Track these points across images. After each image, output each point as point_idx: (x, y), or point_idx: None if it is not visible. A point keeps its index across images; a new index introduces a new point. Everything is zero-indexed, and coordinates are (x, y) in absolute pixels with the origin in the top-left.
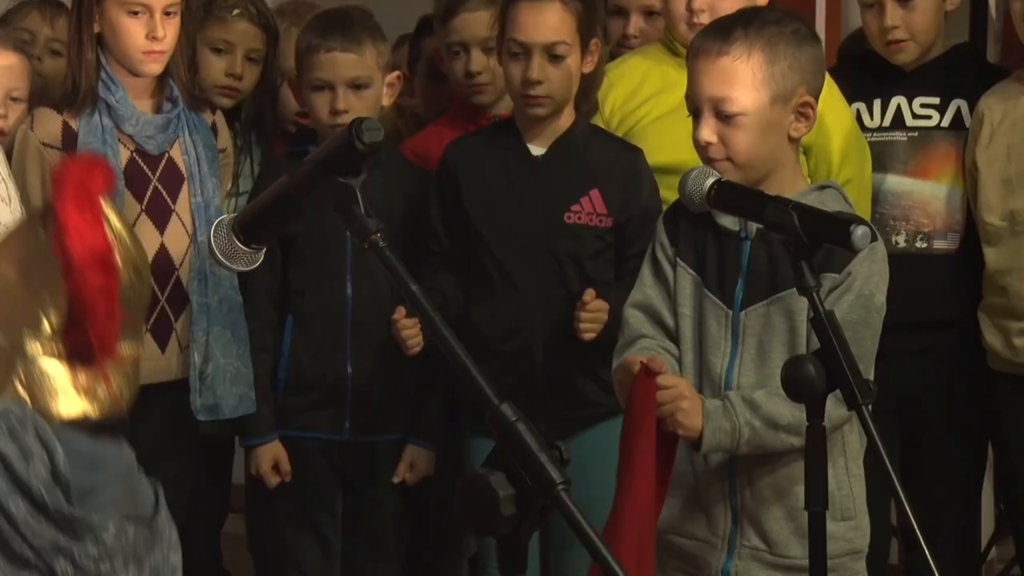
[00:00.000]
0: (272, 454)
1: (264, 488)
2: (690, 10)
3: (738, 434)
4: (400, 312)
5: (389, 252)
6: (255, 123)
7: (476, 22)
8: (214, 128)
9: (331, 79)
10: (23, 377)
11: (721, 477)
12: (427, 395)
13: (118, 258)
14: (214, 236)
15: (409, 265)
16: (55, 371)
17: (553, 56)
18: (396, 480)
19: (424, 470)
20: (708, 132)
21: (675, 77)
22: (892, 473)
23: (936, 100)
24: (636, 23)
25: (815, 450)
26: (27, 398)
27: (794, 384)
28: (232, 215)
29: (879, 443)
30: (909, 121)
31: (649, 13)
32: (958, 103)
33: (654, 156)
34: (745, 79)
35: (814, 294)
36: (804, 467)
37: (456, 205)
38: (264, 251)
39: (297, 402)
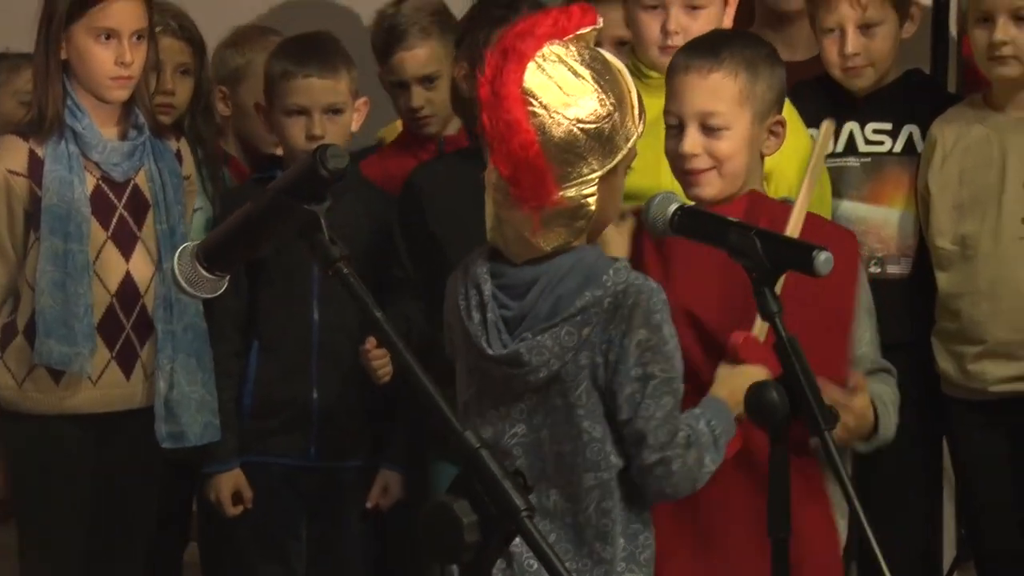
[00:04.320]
0: (233, 482)
1: (223, 515)
2: (664, 32)
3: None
4: (371, 342)
5: (353, 279)
6: (197, 138)
7: (413, 60)
8: (178, 155)
9: (308, 104)
10: None
11: None
12: (397, 419)
13: (534, 109)
14: (177, 263)
15: (376, 291)
16: None
17: None
18: (370, 505)
19: (397, 494)
20: (693, 144)
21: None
22: (854, 497)
23: (888, 125)
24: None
25: (779, 476)
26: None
27: (757, 409)
28: (195, 242)
29: (841, 467)
30: (862, 147)
31: (621, 43)
32: (910, 128)
33: None
34: (732, 95)
35: (776, 320)
36: (768, 493)
37: (421, 230)
38: (227, 278)
39: (262, 427)
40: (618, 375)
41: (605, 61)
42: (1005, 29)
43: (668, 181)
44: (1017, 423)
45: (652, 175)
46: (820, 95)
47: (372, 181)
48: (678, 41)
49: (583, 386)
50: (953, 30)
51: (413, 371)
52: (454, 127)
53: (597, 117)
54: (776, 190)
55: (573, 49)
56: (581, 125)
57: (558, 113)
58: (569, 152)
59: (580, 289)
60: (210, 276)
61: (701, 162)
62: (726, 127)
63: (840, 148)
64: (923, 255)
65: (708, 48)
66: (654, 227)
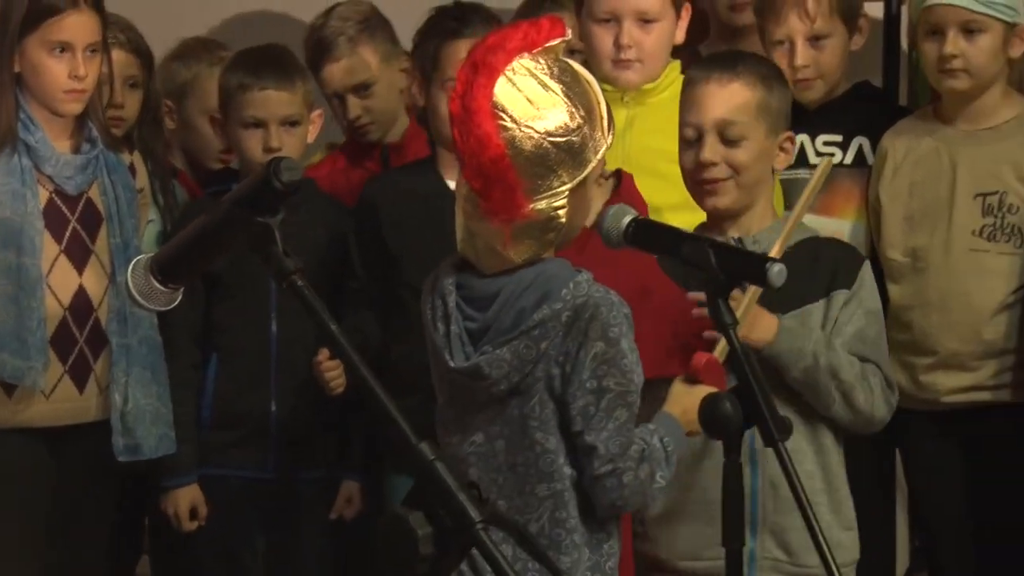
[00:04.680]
0: (190, 497)
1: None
2: (617, 46)
3: (803, 367)
4: (324, 354)
5: (308, 291)
6: (147, 151)
7: (342, 71)
8: (132, 168)
9: (265, 117)
10: None
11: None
12: (357, 431)
13: (506, 124)
14: (131, 276)
15: (332, 302)
16: None
17: None
18: (333, 516)
19: (360, 505)
20: (713, 152)
21: None
22: (808, 506)
23: (839, 138)
24: None
25: (733, 487)
26: None
27: (711, 420)
28: (149, 255)
29: (796, 478)
30: (812, 159)
31: (570, 51)
32: (860, 140)
33: None
34: (750, 107)
35: (730, 331)
36: (722, 503)
37: (375, 241)
38: (181, 291)
39: (220, 439)
40: (572, 387)
41: (575, 73)
42: (955, 42)
43: None
44: (969, 433)
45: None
46: None
47: (328, 194)
48: (631, 55)
49: (537, 397)
50: (904, 43)
51: (367, 383)
52: (397, 133)
53: (567, 130)
54: None
55: (543, 62)
56: (551, 138)
57: (528, 127)
58: (539, 165)
59: (540, 303)
60: (164, 289)
61: (719, 171)
62: (744, 137)
63: (791, 160)
64: (874, 267)
65: (726, 62)
66: (608, 239)
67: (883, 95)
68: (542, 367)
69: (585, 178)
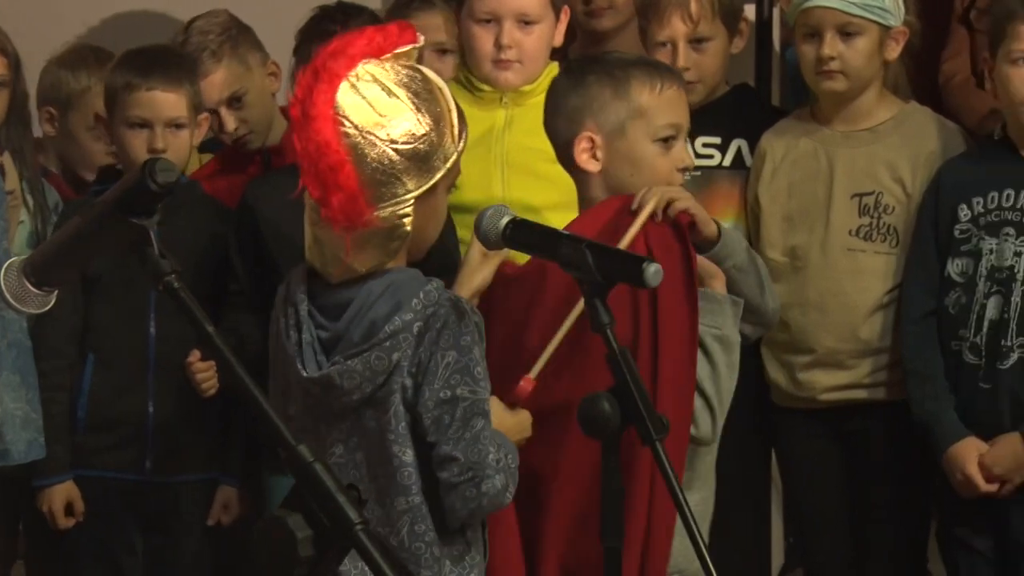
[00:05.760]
0: (66, 493)
1: (55, 529)
2: (498, 46)
3: (744, 247)
4: (194, 355)
5: (184, 293)
6: (15, 151)
7: (211, 86)
8: (2, 170)
9: (151, 118)
10: None
11: None
12: (236, 434)
13: (347, 128)
14: (4, 279)
15: (215, 304)
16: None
17: None
18: (211, 522)
19: (238, 510)
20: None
21: (471, 114)
22: (685, 505)
23: (717, 140)
24: (429, 60)
25: (611, 485)
26: None
27: (589, 421)
28: (22, 257)
29: (673, 477)
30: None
31: (442, 51)
32: (739, 143)
33: (451, 195)
34: None
35: (608, 331)
36: (600, 502)
37: (255, 243)
38: (55, 294)
39: (96, 441)
40: (424, 396)
41: (425, 79)
42: (832, 44)
43: (499, 193)
44: (845, 431)
45: (483, 188)
46: None
47: (213, 196)
48: (511, 56)
49: (392, 410)
50: (777, 44)
51: (244, 385)
52: (276, 136)
53: (412, 137)
54: None
55: (390, 68)
56: (395, 146)
57: (371, 134)
58: (383, 173)
59: (391, 313)
60: (38, 291)
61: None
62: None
63: None
64: None
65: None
66: (486, 240)
67: (761, 97)
68: (396, 379)
69: (434, 186)
